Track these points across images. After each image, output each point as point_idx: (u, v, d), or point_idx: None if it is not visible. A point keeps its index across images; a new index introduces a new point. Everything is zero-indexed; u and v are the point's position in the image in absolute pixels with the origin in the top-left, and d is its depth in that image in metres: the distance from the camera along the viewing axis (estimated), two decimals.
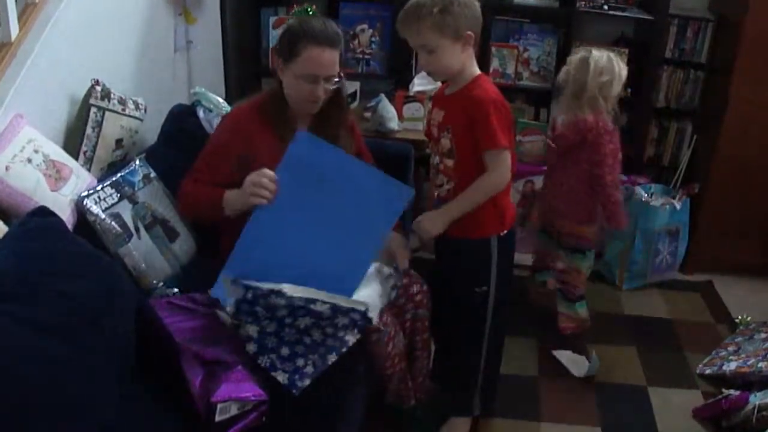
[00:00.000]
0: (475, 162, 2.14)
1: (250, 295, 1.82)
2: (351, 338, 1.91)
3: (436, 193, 2.28)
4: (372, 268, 2.08)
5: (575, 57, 2.79)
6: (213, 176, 2.20)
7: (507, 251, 2.30)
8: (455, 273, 2.33)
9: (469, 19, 2.06)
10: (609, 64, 2.71)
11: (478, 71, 2.16)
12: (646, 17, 3.42)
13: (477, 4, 2.10)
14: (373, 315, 1.93)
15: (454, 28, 2.03)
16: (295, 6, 3.46)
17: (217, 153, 2.24)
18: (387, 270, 2.12)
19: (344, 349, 1.90)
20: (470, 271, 2.28)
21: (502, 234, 2.23)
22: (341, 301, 1.87)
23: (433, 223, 2.18)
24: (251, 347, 1.89)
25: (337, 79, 2.18)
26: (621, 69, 2.73)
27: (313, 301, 1.83)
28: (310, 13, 3.36)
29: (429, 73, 2.18)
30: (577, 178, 2.83)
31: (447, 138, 2.17)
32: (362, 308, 1.89)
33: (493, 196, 2.16)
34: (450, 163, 2.19)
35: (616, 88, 2.74)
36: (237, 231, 2.01)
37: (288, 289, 1.83)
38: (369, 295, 2.01)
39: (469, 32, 2.06)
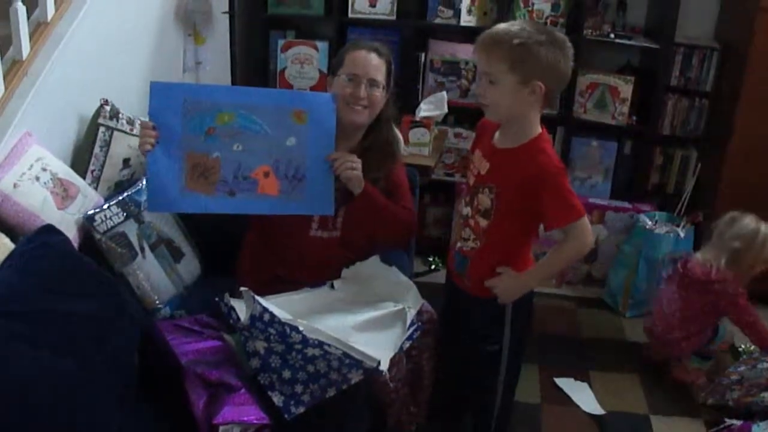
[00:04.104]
0: (512, 228, 1.99)
1: (267, 317, 1.82)
2: (354, 377, 1.88)
3: (458, 245, 2.09)
4: (394, 306, 2.06)
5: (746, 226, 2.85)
6: None
7: (524, 313, 2.12)
8: (463, 330, 2.16)
9: (546, 68, 1.83)
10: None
11: (539, 129, 1.95)
12: (651, 46, 3.43)
13: (569, 61, 1.88)
14: (384, 366, 1.89)
15: (526, 68, 1.82)
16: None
17: None
18: (410, 316, 2.07)
19: (345, 386, 1.87)
20: (480, 333, 2.13)
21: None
22: (354, 352, 1.84)
23: (508, 293, 2.02)
24: (255, 362, 1.88)
25: (382, 89, 2.19)
26: None
27: (327, 344, 1.82)
28: None
29: (482, 107, 1.95)
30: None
31: (487, 196, 1.97)
32: (373, 364, 1.85)
33: (516, 258, 2.03)
34: (484, 223, 1.99)
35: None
36: (258, 249, 2.09)
37: (304, 327, 1.83)
38: (390, 339, 1.99)
39: (540, 83, 1.84)
